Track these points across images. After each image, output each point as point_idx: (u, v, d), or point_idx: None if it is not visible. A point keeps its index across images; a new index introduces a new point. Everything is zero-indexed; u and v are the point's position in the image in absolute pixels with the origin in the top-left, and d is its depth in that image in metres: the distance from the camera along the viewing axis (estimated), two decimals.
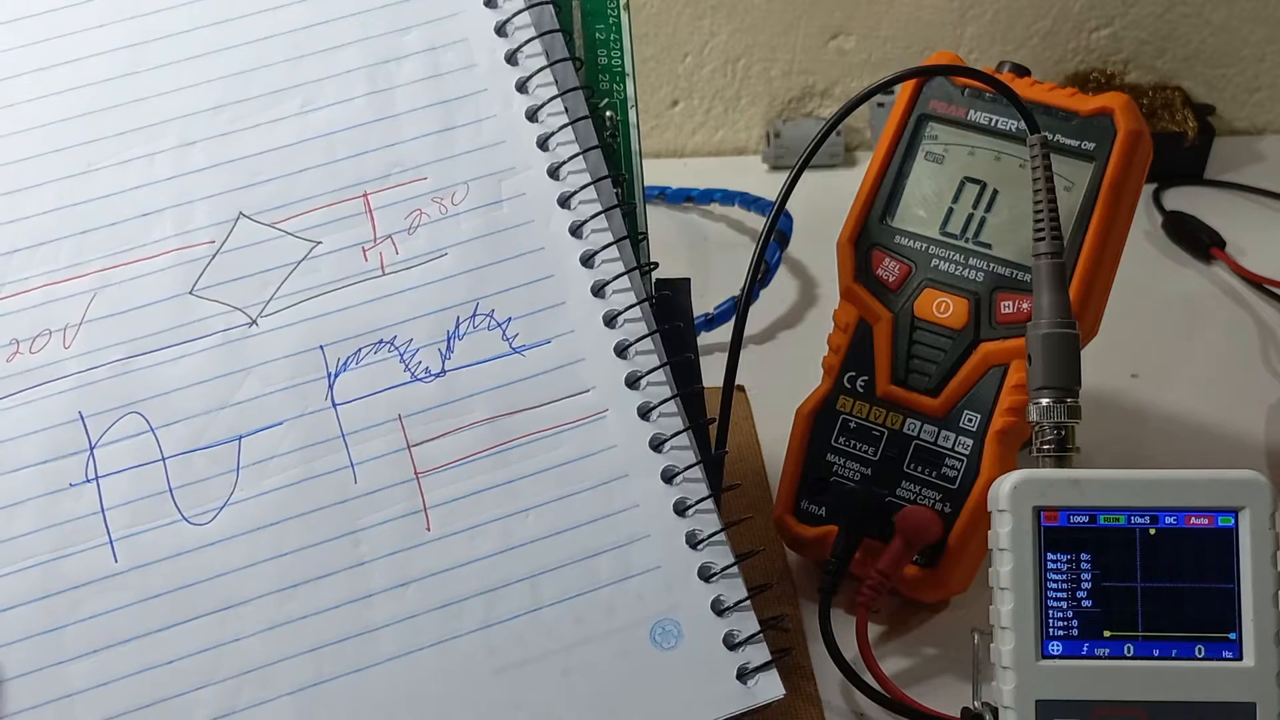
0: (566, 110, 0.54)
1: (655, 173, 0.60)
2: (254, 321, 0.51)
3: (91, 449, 0.49)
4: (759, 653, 0.49)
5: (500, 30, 0.55)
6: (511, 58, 0.54)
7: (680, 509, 0.50)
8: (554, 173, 0.53)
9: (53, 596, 0.47)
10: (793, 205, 0.61)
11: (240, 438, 0.49)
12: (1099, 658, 0.44)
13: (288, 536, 0.48)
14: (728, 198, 0.86)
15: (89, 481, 0.48)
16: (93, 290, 0.51)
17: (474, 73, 0.54)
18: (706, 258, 0.83)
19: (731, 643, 0.49)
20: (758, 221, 0.85)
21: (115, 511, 0.48)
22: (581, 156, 0.53)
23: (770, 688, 0.48)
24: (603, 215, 0.53)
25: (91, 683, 0.46)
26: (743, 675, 0.48)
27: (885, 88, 0.56)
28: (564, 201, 0.53)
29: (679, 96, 0.94)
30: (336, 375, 0.50)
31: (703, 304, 0.63)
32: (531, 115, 0.54)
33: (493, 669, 0.48)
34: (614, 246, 0.52)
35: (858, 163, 0.92)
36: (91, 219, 0.51)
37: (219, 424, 0.49)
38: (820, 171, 0.90)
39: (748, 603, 0.49)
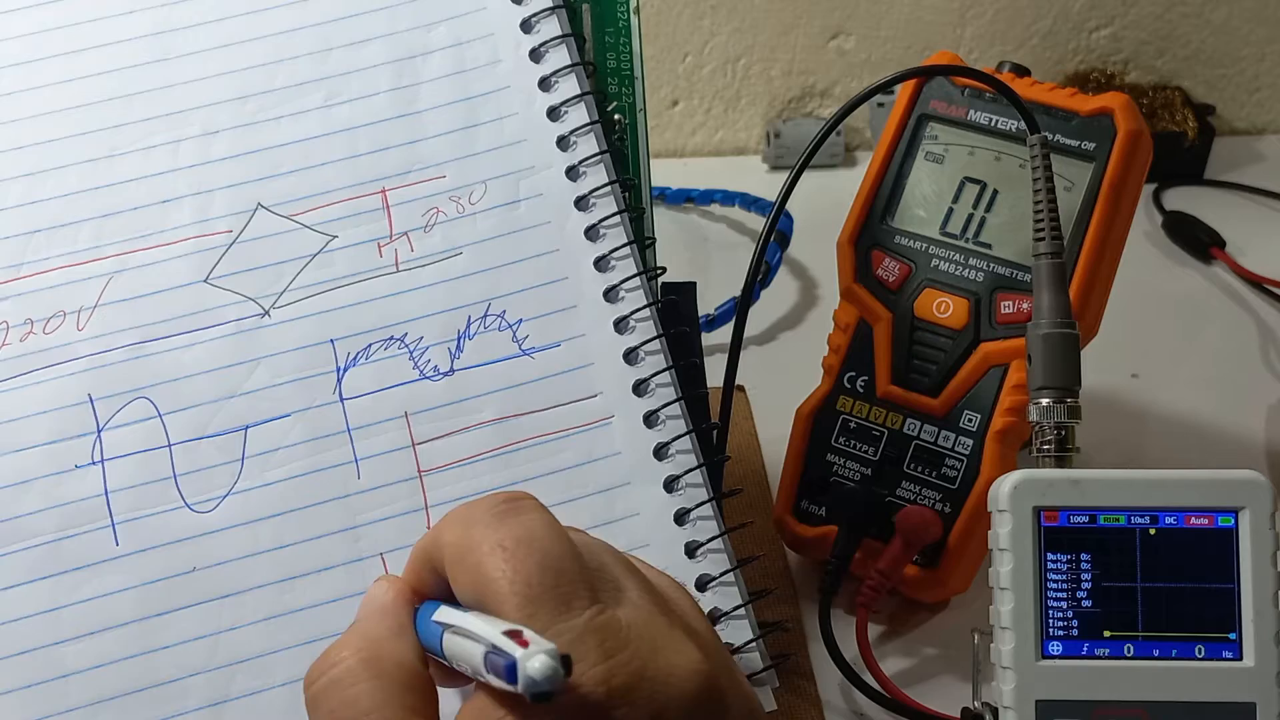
0: (588, 109, 0.54)
1: (655, 173, 0.60)
2: (267, 312, 0.51)
3: (99, 432, 0.49)
4: (752, 662, 0.48)
5: (526, 26, 0.54)
6: (536, 54, 0.54)
7: (680, 518, 0.50)
8: (572, 173, 0.53)
9: (53, 577, 0.47)
10: (793, 205, 0.61)
11: (247, 427, 0.49)
12: (1099, 658, 0.44)
13: (289, 528, 0.48)
14: (728, 198, 0.86)
15: (95, 464, 0.49)
16: (109, 274, 0.51)
17: (498, 69, 0.54)
18: (707, 258, 0.83)
19: None
20: (758, 222, 0.85)
21: (119, 495, 0.48)
22: (600, 157, 0.53)
23: (762, 701, 0.48)
24: (617, 218, 0.52)
25: (86, 664, 0.46)
26: None
27: (885, 88, 0.56)
28: (581, 203, 0.53)
29: (679, 96, 0.94)
30: (346, 370, 0.50)
31: (703, 305, 0.63)
32: (553, 114, 0.54)
33: None
34: (624, 249, 0.52)
35: (858, 163, 0.92)
36: (112, 203, 0.51)
37: (227, 413, 0.49)
38: (820, 171, 0.90)
39: (742, 612, 0.49)
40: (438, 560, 0.38)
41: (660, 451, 0.50)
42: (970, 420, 0.56)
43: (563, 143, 0.53)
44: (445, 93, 0.54)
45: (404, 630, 0.38)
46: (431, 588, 0.39)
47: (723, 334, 0.71)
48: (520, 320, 0.51)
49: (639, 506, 0.50)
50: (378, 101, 0.53)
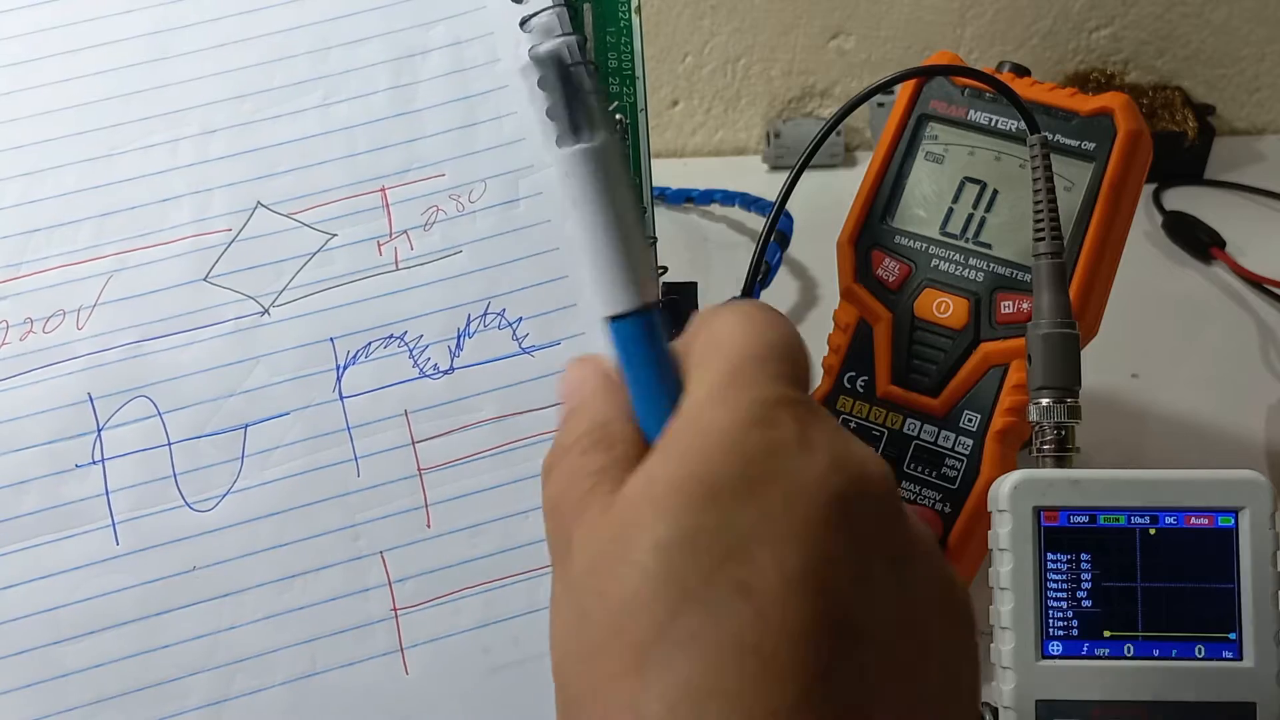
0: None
1: (655, 173, 0.60)
2: (266, 311, 0.51)
3: (99, 431, 0.49)
4: None
5: (525, 25, 0.55)
6: None
7: None
8: None
9: (53, 577, 0.47)
10: (793, 205, 0.61)
11: (246, 426, 0.49)
12: (1099, 658, 0.44)
13: (288, 527, 0.48)
14: (728, 198, 0.86)
15: (95, 463, 0.49)
16: (108, 273, 0.51)
17: (497, 68, 0.54)
18: (707, 258, 0.83)
19: None
20: (758, 222, 0.85)
21: (119, 495, 0.48)
22: None
23: None
24: None
25: (86, 664, 0.46)
26: None
27: (885, 88, 0.56)
28: None
29: (679, 96, 0.94)
30: (345, 368, 0.50)
31: (703, 305, 0.63)
32: None
33: (486, 668, 0.48)
34: None
35: (858, 163, 0.92)
36: (111, 202, 0.52)
37: (226, 411, 0.49)
38: (820, 171, 0.90)
39: None
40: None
41: None
42: (970, 420, 0.56)
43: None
44: (444, 92, 0.54)
45: (627, 409, 0.36)
46: None
47: None
48: (520, 319, 0.51)
49: None
50: (376, 100, 0.53)
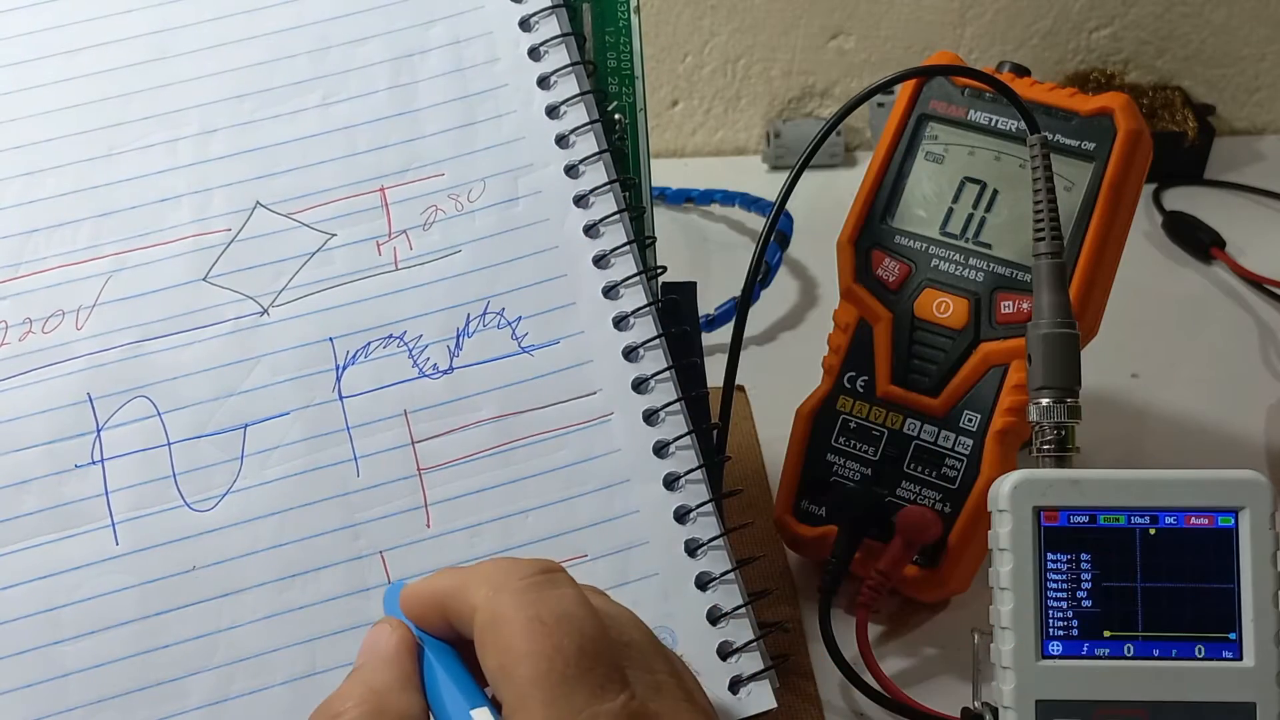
0: (587, 108, 0.54)
1: (655, 173, 0.60)
2: (265, 311, 0.51)
3: (99, 431, 0.49)
4: (753, 662, 0.48)
5: (525, 25, 0.54)
6: (535, 53, 0.54)
7: (680, 516, 0.50)
8: (571, 171, 0.53)
9: (53, 576, 0.47)
10: (793, 205, 0.61)
11: (246, 426, 0.49)
12: (1099, 658, 0.44)
13: (288, 527, 0.48)
14: (728, 198, 0.86)
15: (95, 463, 0.49)
16: (108, 273, 0.51)
17: (496, 68, 0.54)
18: (707, 258, 0.83)
19: (725, 652, 0.48)
20: (758, 222, 0.85)
21: (119, 495, 0.48)
22: (600, 155, 0.53)
23: (762, 699, 0.48)
24: (617, 216, 0.52)
25: (86, 664, 0.46)
26: (735, 685, 0.48)
27: (885, 88, 0.56)
28: (580, 200, 0.53)
29: (679, 96, 0.94)
30: (345, 368, 0.50)
31: (703, 305, 0.63)
32: (552, 112, 0.54)
33: None
34: (624, 247, 0.52)
35: (858, 163, 0.92)
36: (111, 202, 0.51)
37: (226, 411, 0.49)
38: (820, 171, 0.90)
39: (743, 611, 0.49)
40: (456, 613, 0.38)
41: (661, 449, 0.50)
42: (970, 420, 0.56)
43: (562, 141, 0.53)
44: (443, 91, 0.54)
45: (410, 681, 0.37)
46: (436, 632, 0.39)
47: (723, 334, 0.71)
48: (519, 318, 0.51)
49: (639, 504, 0.50)
50: (376, 100, 0.53)
